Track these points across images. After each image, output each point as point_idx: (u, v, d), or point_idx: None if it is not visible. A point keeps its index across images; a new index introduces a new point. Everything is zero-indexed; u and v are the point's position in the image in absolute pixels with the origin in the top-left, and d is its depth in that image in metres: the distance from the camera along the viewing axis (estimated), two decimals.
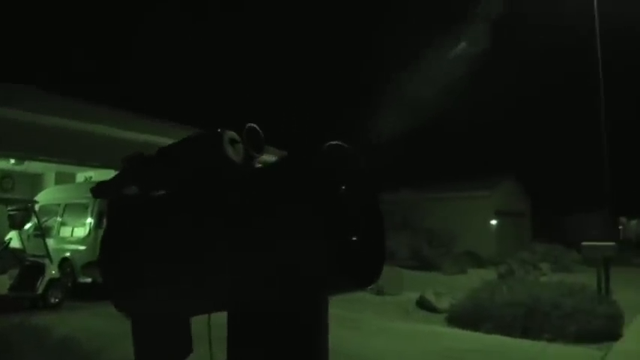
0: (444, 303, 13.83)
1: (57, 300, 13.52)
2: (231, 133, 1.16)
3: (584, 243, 14.76)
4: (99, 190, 1.31)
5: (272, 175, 1.09)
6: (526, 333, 10.30)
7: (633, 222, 54.19)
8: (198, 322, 1.25)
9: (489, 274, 19.16)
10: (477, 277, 17.10)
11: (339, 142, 1.06)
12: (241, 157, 1.16)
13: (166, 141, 1.25)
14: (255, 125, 1.23)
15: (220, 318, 1.13)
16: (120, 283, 1.27)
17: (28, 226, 15.86)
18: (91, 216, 15.45)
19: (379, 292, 16.60)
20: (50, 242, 15.33)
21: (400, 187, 29.96)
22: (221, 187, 1.13)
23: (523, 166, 42.36)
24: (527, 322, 10.58)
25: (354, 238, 1.02)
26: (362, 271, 1.03)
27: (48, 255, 14.07)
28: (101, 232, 1.34)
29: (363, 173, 1.10)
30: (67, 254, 15.79)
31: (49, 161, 16.56)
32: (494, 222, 33.42)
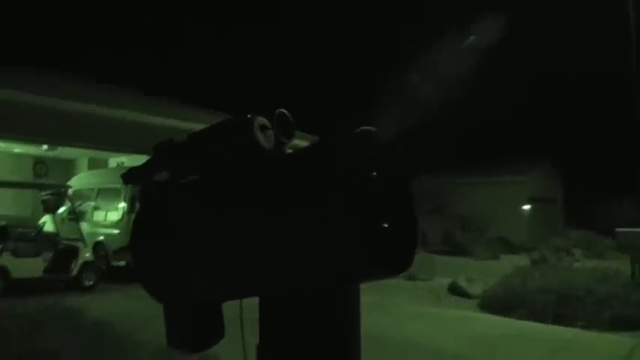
0: (476, 289, 13.77)
1: (91, 282, 13.75)
2: (262, 119, 1.15)
3: (619, 229, 14.60)
4: (129, 176, 1.31)
5: (301, 162, 1.08)
6: (558, 320, 10.21)
7: None
8: (230, 305, 1.25)
9: (522, 260, 19.01)
10: (509, 263, 17.01)
11: (370, 128, 1.05)
12: (272, 143, 1.15)
13: (197, 126, 1.24)
14: (285, 111, 1.22)
15: (253, 300, 1.13)
16: (151, 268, 1.27)
17: (61, 210, 16.11)
18: (124, 200, 15.64)
19: (411, 278, 16.60)
20: (84, 226, 15.56)
21: (433, 171, 29.84)
22: (251, 173, 1.11)
23: (557, 151, 41.93)
24: (560, 309, 10.48)
25: (386, 225, 1.00)
26: (394, 259, 1.01)
27: (82, 238, 14.29)
28: (134, 217, 1.35)
29: (395, 159, 1.08)
30: (101, 238, 16.02)
31: (82, 147, 16.75)
32: (527, 208, 33.11)
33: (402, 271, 1.05)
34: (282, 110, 1.22)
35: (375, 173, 1.05)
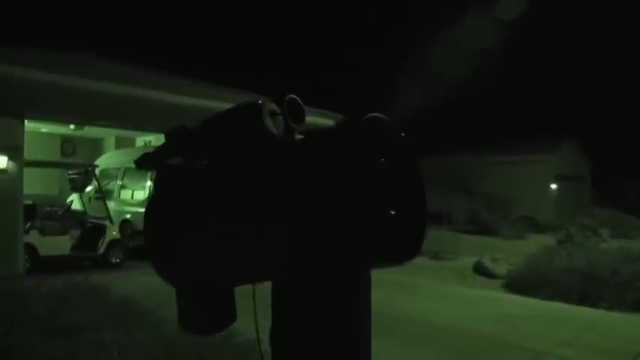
0: (501, 268, 13.71)
1: (118, 260, 13.95)
2: (271, 105, 1.15)
3: None
4: (142, 161, 1.32)
5: (309, 148, 1.08)
6: (583, 300, 10.15)
7: None
8: (241, 289, 1.27)
9: (548, 239, 18.89)
10: (535, 243, 16.91)
11: (378, 114, 1.05)
12: (281, 129, 1.15)
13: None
14: (295, 96, 1.22)
15: (266, 284, 1.15)
16: (164, 251, 1.28)
17: (89, 189, 16.31)
18: (151, 179, 15.78)
19: (436, 257, 16.57)
20: (111, 205, 15.76)
21: (458, 149, 29.63)
22: (260, 160, 1.12)
23: (584, 129, 41.42)
24: (585, 289, 10.41)
25: (392, 212, 1.00)
26: (400, 246, 1.01)
27: (109, 217, 14.47)
28: (147, 201, 1.37)
29: (404, 145, 1.08)
30: (128, 216, 16.22)
31: (109, 127, 16.89)
32: (553, 186, 32.78)
33: (409, 259, 1.05)
34: (292, 96, 1.23)
35: (382, 160, 1.05)
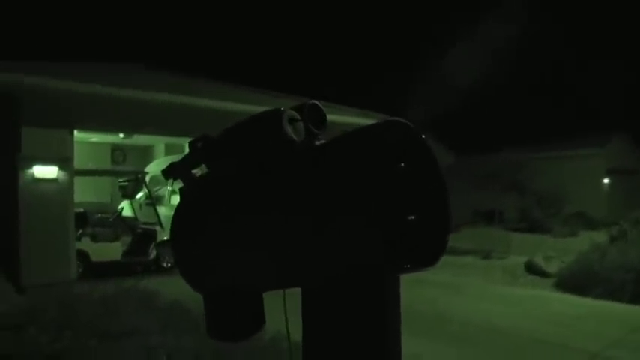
0: (553, 267, 13.45)
1: (169, 264, 14.15)
2: (291, 112, 1.15)
3: None
4: (169, 171, 1.34)
5: (328, 153, 1.08)
6: (636, 299, 9.88)
7: None
8: (270, 293, 1.28)
9: (601, 236, 18.49)
10: (587, 240, 16.57)
11: (398, 119, 1.04)
12: (302, 135, 1.16)
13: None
14: (316, 102, 1.22)
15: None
16: (192, 260, 1.30)
17: (139, 195, 16.57)
18: None
19: (487, 256, 16.39)
20: (162, 210, 15.97)
21: (507, 147, 29.24)
22: (281, 165, 1.13)
23: (634, 121, 40.38)
24: (638, 287, 10.13)
25: (412, 218, 1.00)
26: (421, 251, 1.01)
27: (159, 222, 14.68)
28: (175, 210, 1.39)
29: (424, 149, 1.07)
30: None
31: (157, 134, 17.15)
32: (606, 181, 32.07)
33: (431, 264, 1.04)
34: (313, 101, 1.23)
35: (402, 165, 1.05)
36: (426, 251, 1.05)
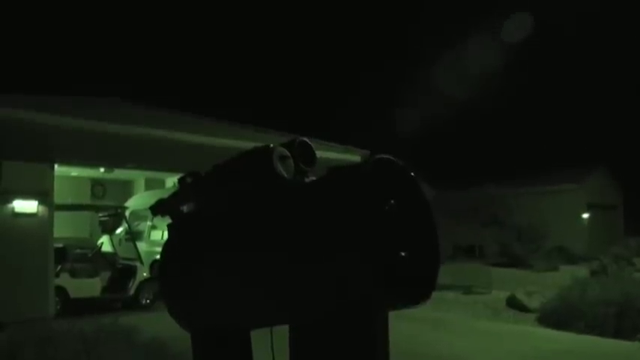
0: (534, 302, 13.45)
1: (148, 301, 13.98)
2: (281, 149, 1.16)
3: None
4: (157, 207, 1.33)
5: (318, 191, 1.09)
6: (619, 333, 9.90)
7: None
8: (258, 331, 1.27)
9: (581, 270, 18.56)
10: (568, 275, 16.62)
11: (387, 156, 1.05)
12: (292, 172, 1.16)
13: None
14: (306, 139, 1.23)
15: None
16: (179, 297, 1.29)
17: (119, 230, 16.43)
18: None
19: (468, 291, 16.37)
20: (142, 245, 15.85)
21: (487, 182, 29.44)
22: (272, 202, 1.13)
23: (614, 156, 40.91)
24: (620, 322, 10.17)
25: (403, 254, 1.00)
26: (413, 288, 1.00)
27: (139, 258, 14.55)
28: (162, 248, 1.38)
29: (414, 186, 1.07)
30: (158, 257, 16.24)
31: (138, 168, 17.09)
32: (585, 215, 32.33)
33: (422, 301, 1.04)
34: (302, 138, 1.24)
35: (392, 201, 1.05)
36: (418, 287, 1.05)
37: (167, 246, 1.34)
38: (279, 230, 1.09)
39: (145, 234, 17.77)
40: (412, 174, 1.09)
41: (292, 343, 1.12)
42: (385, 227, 1.01)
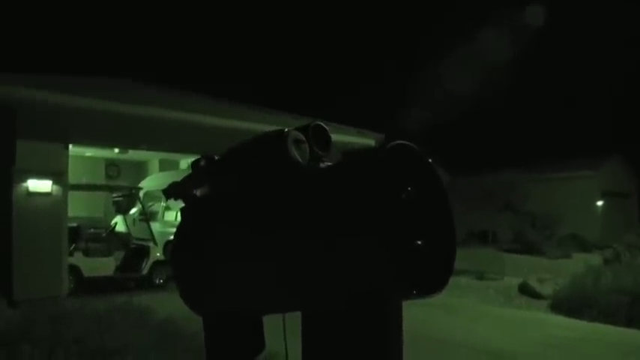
0: (547, 289, 13.42)
1: (161, 281, 14.06)
2: (296, 133, 1.13)
3: None
4: (170, 191, 1.32)
5: (334, 177, 1.06)
6: (632, 322, 9.85)
7: None
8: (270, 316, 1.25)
9: (595, 258, 18.47)
10: (581, 262, 16.54)
11: (404, 142, 1.02)
12: (306, 157, 1.13)
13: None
14: (321, 123, 1.20)
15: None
16: (192, 282, 1.27)
17: (133, 211, 16.49)
18: None
19: (481, 277, 16.35)
20: (155, 226, 15.90)
21: (503, 167, 29.28)
22: (286, 187, 1.11)
23: (629, 144, 40.57)
24: (633, 310, 10.12)
25: (419, 242, 0.98)
26: (426, 278, 0.98)
27: (153, 238, 14.62)
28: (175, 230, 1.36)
29: (431, 173, 1.05)
30: (172, 237, 16.29)
31: (152, 149, 17.11)
32: (600, 203, 32.13)
33: (437, 291, 1.02)
34: (318, 122, 1.21)
35: (409, 189, 1.03)
36: (433, 276, 1.03)
37: (179, 229, 1.32)
38: (295, 215, 1.07)
39: (159, 215, 17.84)
40: (430, 161, 1.07)
41: (304, 330, 1.11)
42: (402, 214, 0.99)
